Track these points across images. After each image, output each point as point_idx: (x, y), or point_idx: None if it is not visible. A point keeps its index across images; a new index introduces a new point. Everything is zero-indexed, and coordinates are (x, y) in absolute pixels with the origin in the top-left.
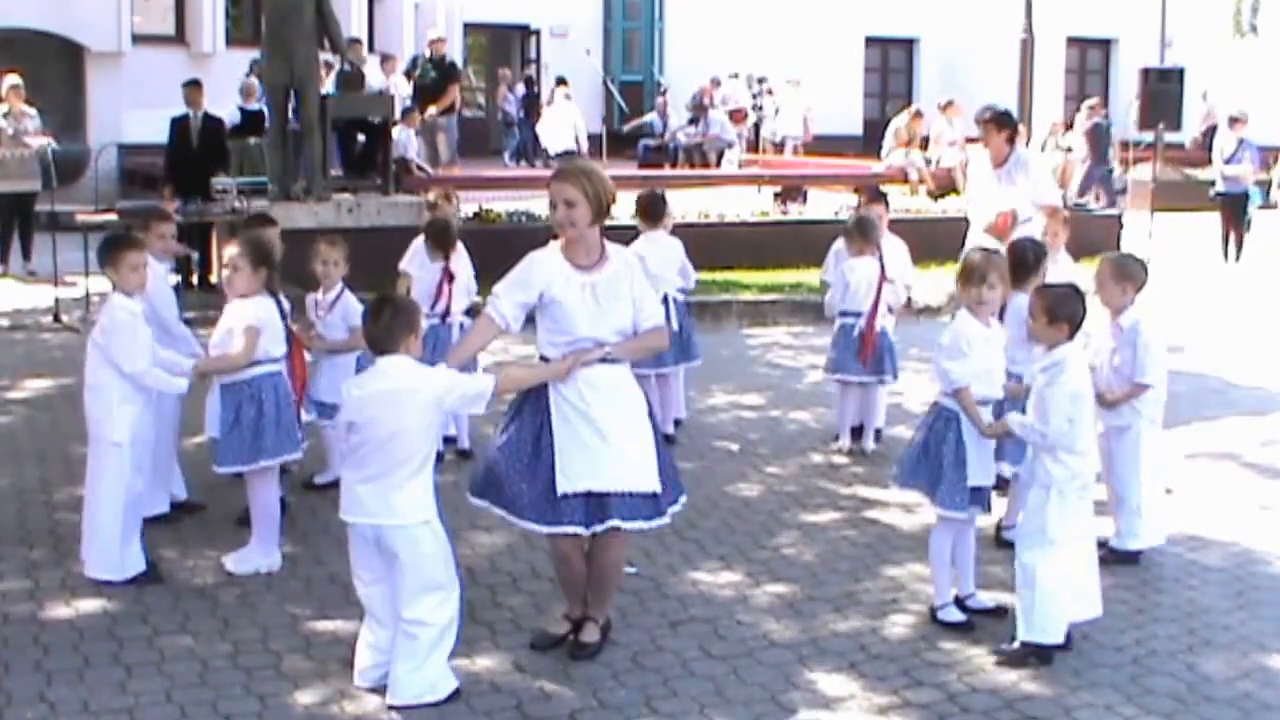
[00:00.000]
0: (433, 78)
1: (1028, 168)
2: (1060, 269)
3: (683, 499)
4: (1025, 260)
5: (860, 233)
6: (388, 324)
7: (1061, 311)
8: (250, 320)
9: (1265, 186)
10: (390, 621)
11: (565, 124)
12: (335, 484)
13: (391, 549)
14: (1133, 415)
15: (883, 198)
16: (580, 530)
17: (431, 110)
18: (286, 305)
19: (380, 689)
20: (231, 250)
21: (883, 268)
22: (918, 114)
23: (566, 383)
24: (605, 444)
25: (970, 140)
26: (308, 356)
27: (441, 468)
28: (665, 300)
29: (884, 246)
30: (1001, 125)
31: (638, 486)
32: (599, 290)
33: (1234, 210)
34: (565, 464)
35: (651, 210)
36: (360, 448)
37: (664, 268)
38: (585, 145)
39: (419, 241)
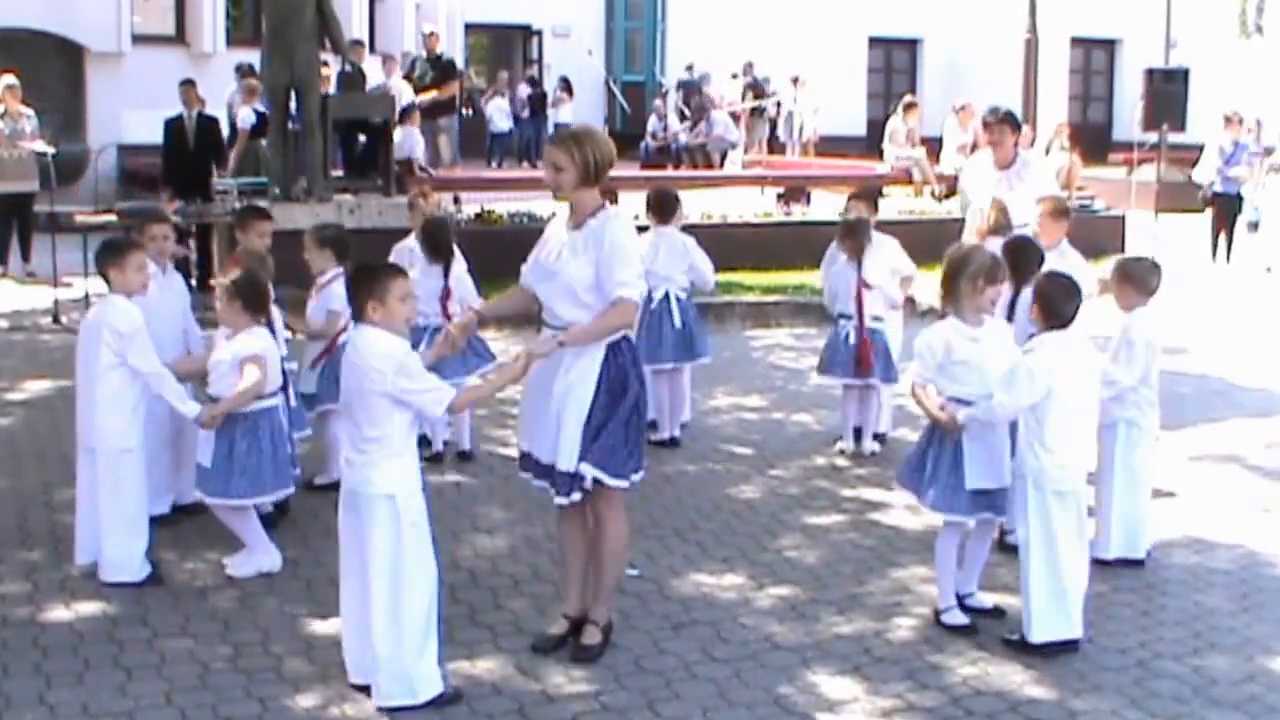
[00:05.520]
0: (432, 77)
1: (1034, 170)
2: (1067, 265)
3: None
4: (1029, 255)
5: (846, 235)
6: (355, 293)
7: (1044, 299)
8: (250, 350)
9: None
10: (349, 610)
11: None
12: (335, 485)
13: (359, 516)
14: (1116, 413)
15: (867, 198)
16: (530, 478)
17: (423, 98)
18: (281, 328)
19: (368, 687)
20: (222, 281)
21: (860, 275)
22: (910, 105)
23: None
24: (533, 412)
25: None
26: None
27: (442, 469)
28: (667, 297)
29: (869, 249)
30: (1016, 126)
31: (541, 458)
32: (566, 249)
33: (1228, 211)
34: (521, 423)
35: (662, 207)
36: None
37: (672, 267)
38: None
39: (405, 244)
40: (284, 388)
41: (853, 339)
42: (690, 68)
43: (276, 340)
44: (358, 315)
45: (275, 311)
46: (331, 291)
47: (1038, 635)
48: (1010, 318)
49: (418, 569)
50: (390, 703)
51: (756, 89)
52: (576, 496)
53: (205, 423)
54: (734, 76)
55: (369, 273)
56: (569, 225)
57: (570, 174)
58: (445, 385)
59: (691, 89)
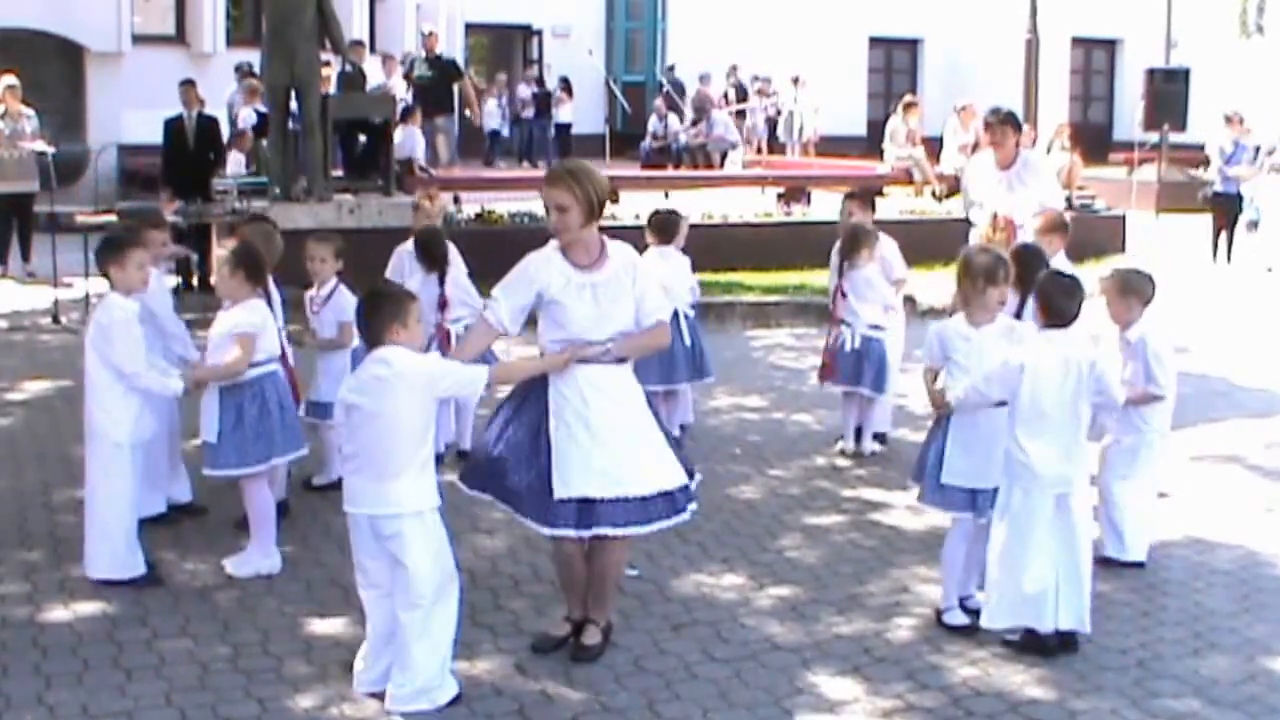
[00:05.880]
0: (431, 76)
1: (1036, 170)
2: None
3: (691, 506)
4: (1035, 263)
5: (843, 238)
6: (371, 316)
7: (1046, 297)
8: (243, 326)
9: None
10: (381, 624)
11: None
12: (335, 486)
13: (385, 540)
14: (1141, 426)
15: (863, 198)
16: (572, 533)
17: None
18: (279, 305)
19: (378, 694)
20: (221, 253)
21: (840, 281)
22: (910, 105)
23: (566, 382)
24: (601, 449)
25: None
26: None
27: (442, 469)
28: (676, 316)
29: (861, 257)
30: (1018, 127)
31: (634, 491)
32: (599, 291)
33: (1228, 210)
34: (562, 469)
35: (665, 228)
36: (355, 436)
37: (676, 283)
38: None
39: (404, 248)
40: (283, 356)
41: (849, 345)
42: (672, 68)
43: (273, 310)
44: (377, 338)
45: (273, 286)
46: (337, 303)
47: (985, 621)
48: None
49: (450, 581)
50: (410, 707)
51: (740, 90)
52: (695, 506)
53: (190, 388)
54: (729, 77)
55: (388, 297)
56: (576, 266)
57: (575, 213)
58: (477, 366)
59: (673, 89)
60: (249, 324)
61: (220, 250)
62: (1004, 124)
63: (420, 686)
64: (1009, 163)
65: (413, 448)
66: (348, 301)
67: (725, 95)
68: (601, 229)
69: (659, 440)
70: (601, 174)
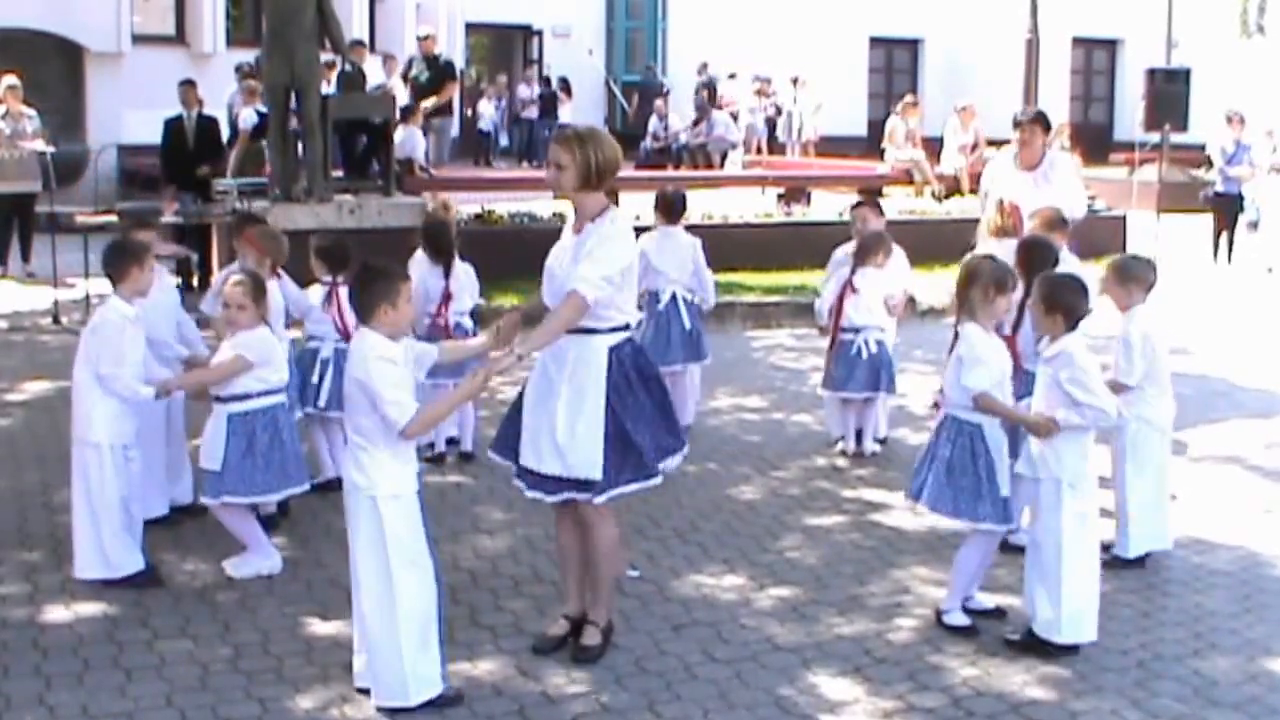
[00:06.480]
0: (429, 77)
1: (1062, 170)
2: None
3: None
4: (1043, 256)
5: (865, 249)
6: (362, 294)
7: (1058, 299)
8: (241, 349)
9: None
10: (356, 609)
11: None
12: (335, 486)
13: (349, 514)
14: (1126, 415)
15: (871, 204)
16: (521, 486)
17: (427, 104)
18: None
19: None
20: (234, 292)
21: (850, 280)
22: (910, 105)
23: (544, 351)
24: (527, 420)
25: (991, 144)
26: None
27: (443, 469)
28: (675, 300)
29: (870, 263)
30: (1047, 127)
31: (538, 468)
32: (564, 255)
33: (1229, 211)
34: (525, 432)
35: (670, 207)
36: None
37: (676, 267)
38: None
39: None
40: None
41: (864, 353)
42: (650, 67)
43: (276, 332)
44: (366, 317)
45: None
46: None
47: (1070, 636)
48: (1020, 319)
49: (404, 571)
50: (386, 703)
51: (712, 89)
52: (565, 496)
53: (162, 394)
54: (731, 76)
55: (382, 277)
56: (573, 229)
57: (571, 173)
58: (412, 403)
59: (651, 89)
60: (249, 349)
61: (234, 290)
62: (1034, 123)
63: (391, 681)
64: (1035, 162)
65: (370, 430)
66: (282, 291)
67: (698, 93)
68: None
69: (564, 431)
70: (613, 144)
